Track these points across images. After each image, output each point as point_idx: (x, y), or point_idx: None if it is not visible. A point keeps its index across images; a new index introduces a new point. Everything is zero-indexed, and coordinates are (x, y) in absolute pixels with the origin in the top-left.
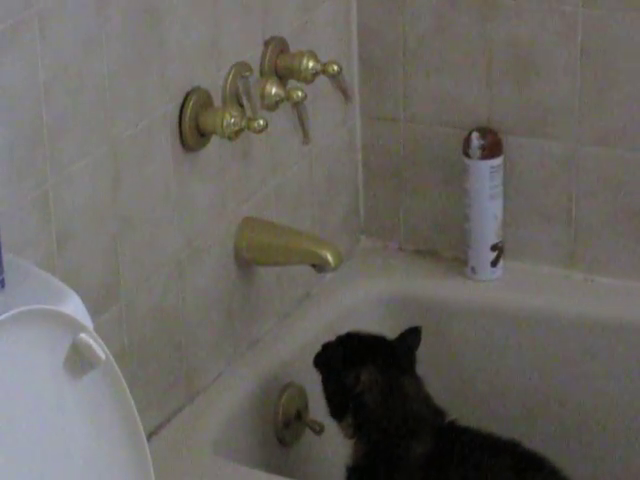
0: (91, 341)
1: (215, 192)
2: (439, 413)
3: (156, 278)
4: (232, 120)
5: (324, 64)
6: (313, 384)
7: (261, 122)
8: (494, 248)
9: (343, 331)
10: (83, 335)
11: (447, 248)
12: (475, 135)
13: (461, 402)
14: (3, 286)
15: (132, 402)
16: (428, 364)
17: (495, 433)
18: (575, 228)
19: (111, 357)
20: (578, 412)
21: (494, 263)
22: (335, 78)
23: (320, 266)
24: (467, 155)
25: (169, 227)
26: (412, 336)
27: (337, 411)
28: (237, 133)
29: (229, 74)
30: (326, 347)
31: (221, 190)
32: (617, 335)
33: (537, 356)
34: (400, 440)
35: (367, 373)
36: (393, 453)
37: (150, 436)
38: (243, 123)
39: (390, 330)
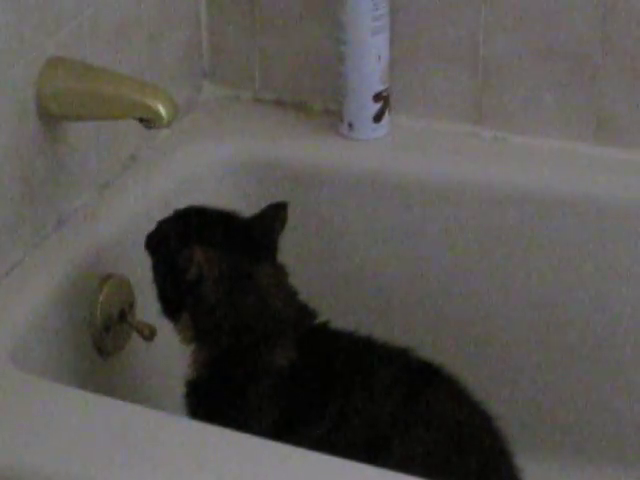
0: None
1: (10, 21)
2: (306, 313)
3: None
4: None
5: None
6: (141, 275)
7: None
8: (377, 98)
9: (181, 206)
10: None
11: (317, 98)
12: None
13: (336, 299)
14: None
15: None
16: (291, 248)
17: (379, 338)
18: (482, 72)
19: None
20: (484, 304)
21: (377, 118)
22: None
23: (149, 120)
24: None
25: None
26: (275, 215)
27: (171, 308)
28: None
29: None
30: (161, 226)
31: (18, 18)
32: (532, 207)
33: (432, 235)
34: (253, 347)
35: (203, 253)
36: (244, 364)
37: None
38: None
39: (242, 207)
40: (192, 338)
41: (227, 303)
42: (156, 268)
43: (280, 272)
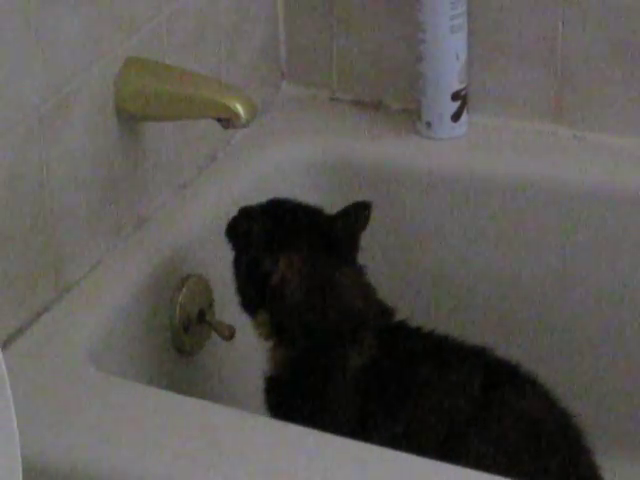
0: None
1: (88, 22)
2: (384, 311)
3: (10, 136)
4: None
5: None
6: (219, 275)
7: None
8: (456, 97)
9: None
10: None
11: (395, 97)
12: None
13: (411, 297)
14: None
15: None
16: (368, 246)
17: (457, 337)
18: (561, 70)
19: None
20: (564, 302)
21: (456, 116)
22: None
23: (228, 120)
24: None
25: (26, 68)
26: (357, 214)
27: (249, 302)
28: None
29: None
30: (244, 213)
31: (96, 19)
32: (611, 203)
33: (511, 233)
34: (332, 346)
35: (287, 261)
36: (324, 361)
37: (6, 344)
38: None
39: (319, 204)
40: (269, 334)
41: (307, 304)
42: (237, 262)
43: (360, 272)
